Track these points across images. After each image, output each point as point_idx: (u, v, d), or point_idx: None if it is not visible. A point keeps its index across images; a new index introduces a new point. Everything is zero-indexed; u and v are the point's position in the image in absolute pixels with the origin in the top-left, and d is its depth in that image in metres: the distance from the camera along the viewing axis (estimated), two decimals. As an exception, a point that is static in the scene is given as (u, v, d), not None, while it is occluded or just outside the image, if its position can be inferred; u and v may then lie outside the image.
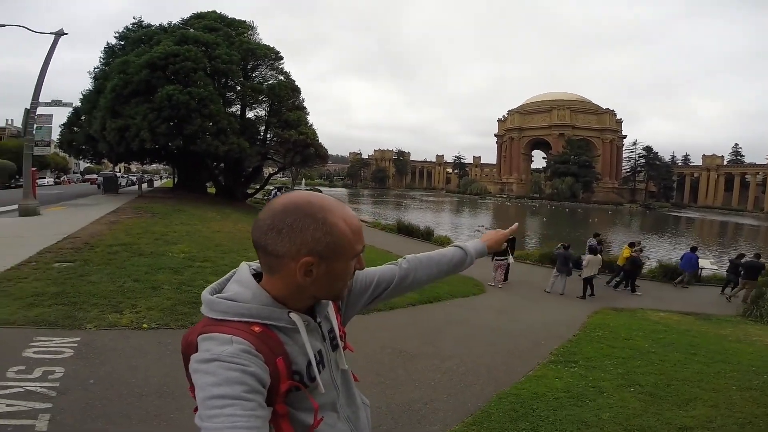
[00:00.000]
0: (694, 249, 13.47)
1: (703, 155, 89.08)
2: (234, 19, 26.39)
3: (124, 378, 3.46)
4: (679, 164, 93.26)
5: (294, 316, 0.83)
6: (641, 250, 12.44)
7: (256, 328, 0.79)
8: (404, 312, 6.86)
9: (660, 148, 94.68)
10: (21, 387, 3.14)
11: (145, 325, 4.62)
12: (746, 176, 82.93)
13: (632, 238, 26.87)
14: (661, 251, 22.30)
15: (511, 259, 10.70)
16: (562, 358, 5.16)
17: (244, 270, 0.89)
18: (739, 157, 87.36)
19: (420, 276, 1.20)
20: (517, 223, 1.58)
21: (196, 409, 0.80)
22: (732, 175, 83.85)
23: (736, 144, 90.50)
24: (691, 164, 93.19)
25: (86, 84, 25.12)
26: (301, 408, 0.83)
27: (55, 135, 23.67)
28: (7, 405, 2.92)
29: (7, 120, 57.04)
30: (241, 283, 0.86)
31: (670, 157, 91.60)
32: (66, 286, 5.57)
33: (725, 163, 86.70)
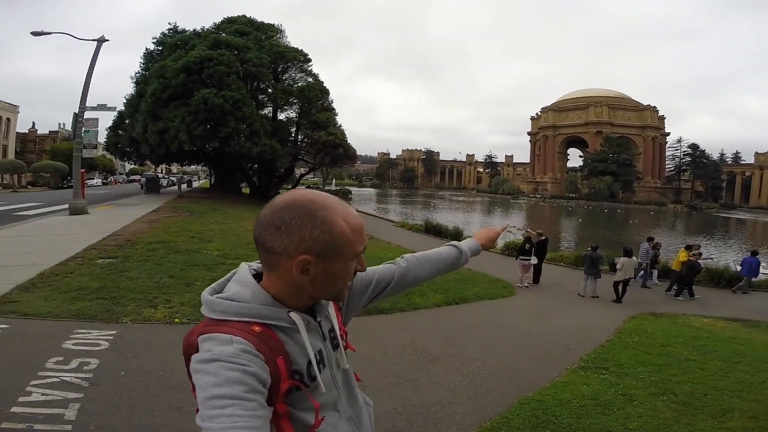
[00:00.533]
0: (755, 253, 12.62)
1: (756, 153, 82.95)
2: (263, 22, 27.22)
3: (153, 371, 3.61)
4: (729, 162, 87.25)
5: (294, 315, 0.83)
6: (700, 254, 11.86)
7: (256, 328, 0.79)
8: (428, 313, 6.81)
9: (707, 146, 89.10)
10: (57, 377, 3.36)
11: (177, 320, 4.83)
12: (805, 175, 76.75)
13: (680, 240, 25.55)
14: (710, 255, 20.98)
15: (534, 260, 10.56)
16: (593, 364, 4.95)
17: (244, 270, 0.89)
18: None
19: (418, 274, 1.22)
20: (508, 222, 1.56)
21: (198, 410, 0.81)
22: (789, 174, 77.82)
23: None
24: (743, 162, 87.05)
25: (128, 88, 26.54)
26: (302, 408, 0.82)
27: (102, 138, 25.28)
28: (42, 394, 3.10)
29: (59, 124, 60.78)
30: (240, 283, 0.86)
31: (718, 155, 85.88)
32: (107, 281, 5.92)
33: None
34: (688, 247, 11.65)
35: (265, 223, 0.81)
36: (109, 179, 54.97)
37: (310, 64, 26.78)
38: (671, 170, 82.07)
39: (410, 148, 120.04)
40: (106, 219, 12.66)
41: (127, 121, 24.93)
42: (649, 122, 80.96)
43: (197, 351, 0.77)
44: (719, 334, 7.23)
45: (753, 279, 12.37)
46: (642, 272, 11.97)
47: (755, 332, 7.78)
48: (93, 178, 44.42)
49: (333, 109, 27.48)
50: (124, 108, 24.34)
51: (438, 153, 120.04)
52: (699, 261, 11.38)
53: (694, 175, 79.12)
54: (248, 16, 27.24)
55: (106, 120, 25.34)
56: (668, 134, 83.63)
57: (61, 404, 3.00)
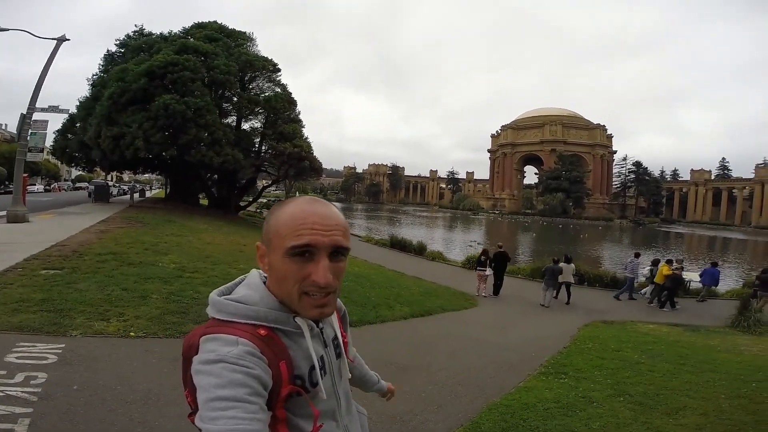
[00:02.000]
0: (714, 264, 13.71)
1: (691, 170, 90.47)
2: (234, 30, 26.68)
3: (109, 385, 3.41)
4: (668, 179, 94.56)
5: (299, 320, 0.84)
6: (682, 268, 12.58)
7: (262, 331, 0.79)
8: (395, 325, 6.89)
9: (653, 163, 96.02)
10: (1, 391, 3.09)
11: (132, 334, 4.56)
12: (733, 190, 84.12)
13: (625, 254, 27.16)
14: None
15: (489, 271, 11.16)
16: (553, 369, 5.18)
17: (254, 275, 0.90)
18: (726, 171, 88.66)
19: (357, 378, 1.26)
20: None
21: (191, 415, 0.81)
22: (720, 190, 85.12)
23: (723, 158, 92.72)
24: (680, 179, 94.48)
25: (82, 90, 25.17)
26: (301, 414, 0.82)
27: (49, 141, 23.55)
28: None
29: (1, 125, 56.46)
30: (250, 287, 0.86)
31: (659, 172, 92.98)
32: (52, 292, 5.48)
33: (713, 177, 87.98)
34: (669, 261, 12.47)
35: None
36: (52, 185, 51.28)
37: (279, 74, 26.50)
38: (618, 187, 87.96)
39: (377, 163, 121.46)
40: (49, 228, 11.75)
41: (78, 125, 23.42)
42: (598, 140, 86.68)
43: (197, 352, 0.77)
44: (664, 338, 7.77)
45: (713, 287, 13.35)
46: (628, 285, 12.69)
47: (696, 336, 8.42)
48: (34, 184, 41.23)
49: (300, 120, 27.25)
50: (76, 111, 22.92)
51: (403, 168, 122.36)
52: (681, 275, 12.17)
53: (638, 192, 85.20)
54: (219, 22, 26.66)
55: (55, 123, 23.80)
56: (615, 152, 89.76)
57: (9, 419, 2.78)
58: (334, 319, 0.96)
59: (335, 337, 0.94)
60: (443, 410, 3.78)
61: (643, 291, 12.98)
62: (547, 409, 3.79)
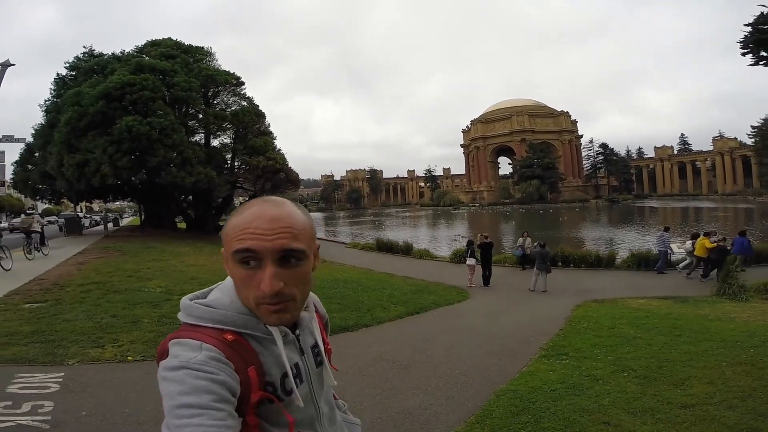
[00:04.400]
0: (743, 233, 13.22)
1: (655, 147, 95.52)
2: (191, 45, 26.09)
3: (117, 409, 3.45)
4: (635, 158, 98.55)
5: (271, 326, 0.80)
6: (724, 239, 12.61)
7: (229, 336, 0.76)
8: (392, 325, 6.87)
9: (618, 143, 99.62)
10: (12, 421, 3.09)
11: (130, 358, 4.60)
12: (696, 163, 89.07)
13: (606, 232, 27.84)
14: (631, 241, 23.11)
15: (472, 261, 11.32)
16: (553, 351, 5.20)
17: (229, 279, 0.85)
18: (687, 146, 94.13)
19: None
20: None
21: None
22: (684, 164, 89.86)
23: (683, 134, 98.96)
24: (646, 156, 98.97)
25: (31, 116, 24.26)
26: (275, 422, 0.79)
27: (8, 174, 22.51)
28: None
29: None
30: (222, 290, 0.84)
31: (625, 151, 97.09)
32: (40, 324, 5.48)
33: (675, 152, 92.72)
34: (707, 234, 12.46)
35: None
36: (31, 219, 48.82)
37: (244, 87, 26.11)
38: (588, 169, 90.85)
39: (354, 169, 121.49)
40: (24, 264, 11.25)
41: (37, 154, 22.40)
42: (564, 126, 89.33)
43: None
44: (656, 312, 7.86)
45: (748, 256, 12.94)
46: (662, 259, 12.82)
47: (686, 307, 8.57)
48: (0, 221, 39.32)
49: (270, 132, 26.94)
50: (33, 139, 21.94)
51: (381, 171, 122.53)
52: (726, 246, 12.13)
53: (608, 171, 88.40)
54: (174, 38, 26.13)
55: (12, 153, 22.74)
56: (581, 136, 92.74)
57: None
58: (316, 326, 0.92)
59: (315, 345, 0.91)
60: (452, 401, 3.76)
61: (681, 265, 13.00)
62: (554, 390, 3.78)
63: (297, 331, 0.87)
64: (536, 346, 5.57)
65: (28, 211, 21.67)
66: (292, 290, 0.77)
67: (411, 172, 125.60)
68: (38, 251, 12.93)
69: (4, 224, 18.49)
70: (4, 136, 13.61)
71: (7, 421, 3.11)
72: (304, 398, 0.83)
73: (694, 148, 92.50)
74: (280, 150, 26.02)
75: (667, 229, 13.82)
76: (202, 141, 25.32)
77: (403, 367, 4.66)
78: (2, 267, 9.96)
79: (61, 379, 3.92)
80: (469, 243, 11.79)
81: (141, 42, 25.93)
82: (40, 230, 13.12)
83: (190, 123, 24.25)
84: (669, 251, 13.11)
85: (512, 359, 5.02)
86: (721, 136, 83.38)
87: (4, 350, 4.57)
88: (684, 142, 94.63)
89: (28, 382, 3.81)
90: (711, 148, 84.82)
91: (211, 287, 0.88)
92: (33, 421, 3.13)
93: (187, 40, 26.27)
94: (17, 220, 24.59)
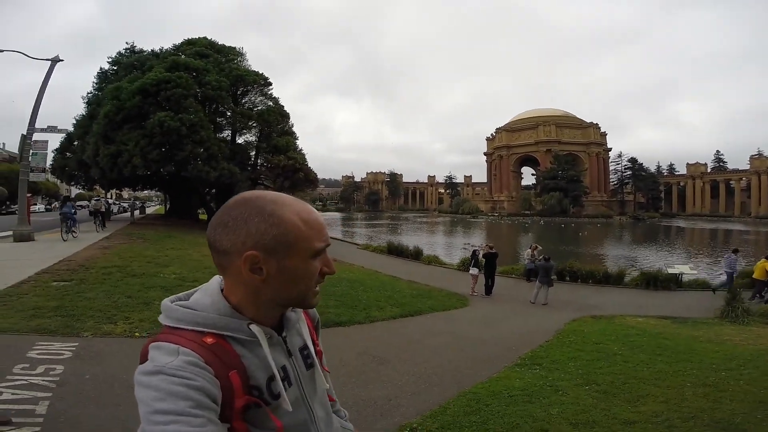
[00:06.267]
0: None
1: (687, 164, 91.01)
2: (224, 45, 27.25)
3: (116, 375, 3.91)
4: (665, 174, 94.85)
5: (255, 328, 0.78)
6: None
7: (209, 339, 0.75)
8: (384, 324, 7.18)
9: (648, 158, 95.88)
10: (25, 380, 3.68)
11: (137, 334, 5.16)
12: (731, 182, 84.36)
13: (624, 250, 27.28)
14: (649, 261, 22.63)
15: (474, 270, 11.55)
16: (529, 361, 5.43)
17: (213, 280, 0.85)
18: (721, 164, 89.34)
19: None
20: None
21: None
22: (717, 182, 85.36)
23: (718, 151, 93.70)
24: (677, 173, 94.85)
25: (72, 107, 25.80)
26: (263, 427, 0.76)
27: (48, 161, 24.08)
28: (13, 393, 3.46)
29: (-2, 144, 56.88)
30: (204, 292, 0.82)
31: (655, 167, 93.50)
32: (64, 301, 6.16)
33: (709, 170, 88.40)
34: None
35: (215, 223, 0.78)
36: (53, 205, 51.74)
37: (270, 87, 27.01)
38: (615, 184, 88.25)
39: (374, 171, 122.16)
40: (54, 246, 12.19)
41: (76, 143, 24.04)
42: (592, 139, 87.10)
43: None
44: (649, 330, 7.88)
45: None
46: (728, 280, 12.65)
47: (683, 327, 8.55)
48: (36, 204, 41.66)
49: (293, 133, 27.73)
50: (73, 129, 23.45)
51: (401, 175, 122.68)
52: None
53: (635, 187, 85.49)
54: (209, 38, 27.28)
55: (53, 142, 24.38)
56: (610, 149, 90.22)
57: (32, 401, 3.33)
58: (304, 328, 0.90)
59: (304, 347, 0.89)
60: (417, 397, 4.08)
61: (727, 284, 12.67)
62: (512, 396, 4.03)
63: (284, 333, 0.85)
64: (516, 354, 5.79)
65: (95, 198, 23.63)
66: None
67: (431, 178, 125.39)
68: (71, 233, 14.02)
69: (90, 207, 20.42)
70: (48, 127, 14.61)
71: (21, 379, 3.69)
72: (294, 402, 0.81)
73: (730, 166, 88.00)
74: (301, 150, 26.77)
75: (736, 251, 13.71)
76: (229, 137, 26.31)
77: (382, 363, 5.00)
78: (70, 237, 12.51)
79: (74, 348, 4.52)
80: (474, 253, 12.04)
81: (172, 38, 27.33)
82: (104, 210, 15.69)
83: (218, 120, 25.29)
84: (734, 272, 12.90)
85: (488, 365, 5.28)
86: (760, 155, 78.67)
87: (30, 321, 5.23)
88: (719, 159, 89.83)
89: (45, 349, 4.41)
90: (748, 167, 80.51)
91: (194, 289, 0.86)
92: (43, 380, 3.71)
93: (213, 38, 27.36)
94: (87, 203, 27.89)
